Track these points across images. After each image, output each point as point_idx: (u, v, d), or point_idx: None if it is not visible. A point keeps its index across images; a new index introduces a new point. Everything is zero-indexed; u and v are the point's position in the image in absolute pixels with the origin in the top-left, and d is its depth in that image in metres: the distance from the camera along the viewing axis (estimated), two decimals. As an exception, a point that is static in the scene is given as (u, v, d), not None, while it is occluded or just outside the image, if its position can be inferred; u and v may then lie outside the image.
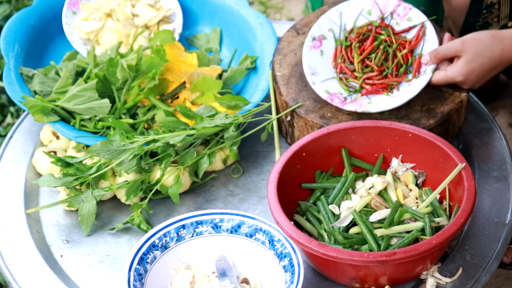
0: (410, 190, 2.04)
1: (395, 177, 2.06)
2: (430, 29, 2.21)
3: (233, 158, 2.24)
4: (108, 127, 2.23)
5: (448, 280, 1.94)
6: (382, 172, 2.09)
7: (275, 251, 1.95)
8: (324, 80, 2.21)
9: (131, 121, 2.22)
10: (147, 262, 1.95)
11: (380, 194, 2.00)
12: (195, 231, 2.01)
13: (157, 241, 1.97)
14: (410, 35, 2.23)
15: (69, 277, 2.04)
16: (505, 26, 2.31)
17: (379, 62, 2.20)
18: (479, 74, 2.11)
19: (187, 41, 2.55)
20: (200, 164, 2.17)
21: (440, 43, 2.21)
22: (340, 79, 2.22)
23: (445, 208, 2.00)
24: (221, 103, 2.21)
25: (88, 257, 2.08)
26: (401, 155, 2.09)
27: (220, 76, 2.37)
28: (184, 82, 2.30)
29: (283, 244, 1.94)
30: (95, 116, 2.23)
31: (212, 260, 2.00)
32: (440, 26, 2.80)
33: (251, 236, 1.99)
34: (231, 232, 2.01)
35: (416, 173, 2.07)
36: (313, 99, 2.23)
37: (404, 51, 2.20)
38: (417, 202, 2.01)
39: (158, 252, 1.97)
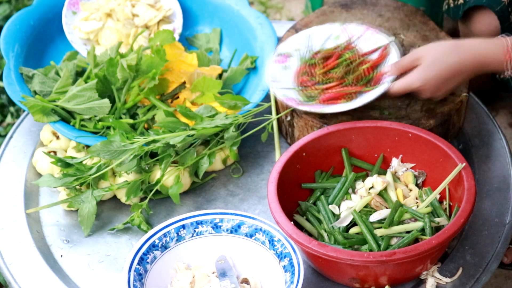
0: (410, 190, 2.04)
1: (395, 177, 2.06)
2: (394, 48, 2.21)
3: (233, 159, 2.24)
4: (108, 127, 2.23)
5: (448, 280, 1.94)
6: (382, 172, 2.09)
7: (275, 251, 1.95)
8: (283, 88, 2.20)
9: (131, 121, 2.22)
10: (147, 262, 1.95)
11: (380, 194, 2.00)
12: (195, 231, 2.01)
13: (157, 241, 1.97)
14: (374, 56, 2.23)
15: (69, 277, 2.04)
16: None
17: (340, 75, 2.20)
18: (437, 81, 2.05)
19: (187, 41, 2.55)
20: (200, 164, 2.17)
21: None
22: (301, 90, 2.21)
23: (445, 208, 2.00)
24: (221, 103, 2.21)
25: (88, 257, 2.08)
26: (401, 155, 2.09)
27: (220, 76, 2.37)
28: (184, 82, 2.30)
29: (283, 244, 1.94)
30: (95, 116, 2.23)
31: (212, 260, 2.00)
32: (440, 26, 2.81)
33: (251, 236, 1.99)
34: (231, 232, 2.01)
35: (416, 173, 2.07)
36: (313, 99, 2.23)
37: (366, 65, 2.19)
38: (417, 202, 2.01)
39: (158, 252, 1.97)
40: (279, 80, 2.22)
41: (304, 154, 2.06)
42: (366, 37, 2.26)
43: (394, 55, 2.20)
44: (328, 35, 2.29)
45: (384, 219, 1.96)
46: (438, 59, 2.04)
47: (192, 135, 2.14)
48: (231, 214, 2.01)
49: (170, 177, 2.15)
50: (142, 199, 2.18)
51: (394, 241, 1.93)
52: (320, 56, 2.24)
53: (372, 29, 2.26)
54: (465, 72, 2.05)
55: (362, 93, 2.16)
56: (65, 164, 2.12)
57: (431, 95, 2.10)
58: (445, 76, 2.05)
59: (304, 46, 2.28)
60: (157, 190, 2.15)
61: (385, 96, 2.13)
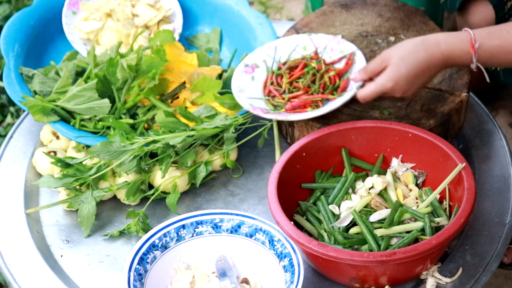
0: (410, 190, 2.04)
1: (395, 177, 2.06)
2: (360, 56, 2.22)
3: (230, 166, 2.23)
4: (108, 127, 2.23)
5: (448, 280, 1.94)
6: (382, 172, 2.09)
7: (275, 251, 1.95)
8: (250, 97, 2.21)
9: (131, 121, 2.22)
10: (147, 262, 1.95)
11: (380, 194, 2.00)
12: (195, 231, 2.01)
13: (157, 241, 1.97)
14: (340, 65, 2.24)
15: (69, 277, 2.04)
16: None
17: (306, 84, 2.21)
18: (407, 78, 2.04)
19: (187, 41, 2.55)
20: (197, 172, 2.17)
21: None
22: (267, 100, 2.22)
23: (445, 208, 2.00)
24: (221, 103, 2.21)
25: (88, 257, 2.08)
26: (401, 155, 2.09)
27: (220, 76, 2.37)
28: (184, 82, 2.30)
29: (283, 244, 1.94)
30: (95, 116, 2.23)
31: (212, 260, 2.00)
32: (440, 26, 2.81)
33: (251, 236, 1.99)
34: (231, 232, 2.01)
35: (416, 173, 2.07)
36: (313, 99, 2.23)
37: (332, 73, 2.20)
38: (417, 202, 2.01)
39: (158, 252, 1.97)
40: (246, 90, 2.22)
41: (304, 154, 2.06)
42: (332, 46, 2.27)
43: (360, 63, 2.21)
44: (295, 45, 2.30)
45: (384, 219, 1.96)
46: (406, 56, 2.04)
47: (192, 136, 2.13)
48: (231, 214, 2.01)
49: (170, 182, 2.14)
50: (143, 199, 2.18)
51: (394, 241, 1.93)
52: (287, 67, 2.25)
53: (338, 38, 2.27)
54: (434, 67, 2.05)
55: (328, 101, 2.17)
56: (65, 164, 2.12)
57: (402, 94, 2.09)
58: (415, 73, 2.04)
59: (271, 58, 2.29)
60: (156, 189, 2.15)
61: (353, 100, 2.13)
